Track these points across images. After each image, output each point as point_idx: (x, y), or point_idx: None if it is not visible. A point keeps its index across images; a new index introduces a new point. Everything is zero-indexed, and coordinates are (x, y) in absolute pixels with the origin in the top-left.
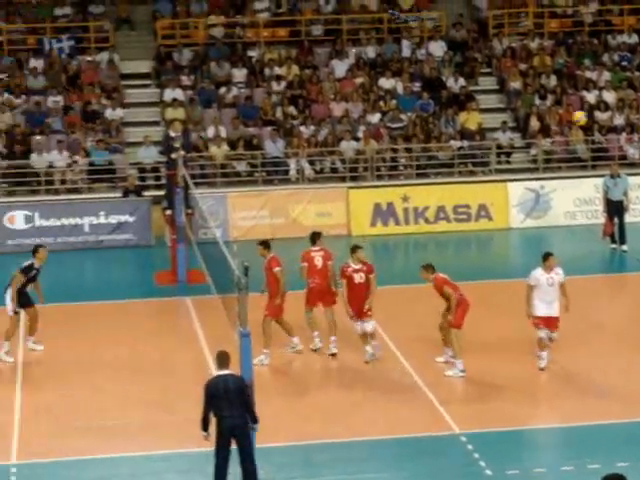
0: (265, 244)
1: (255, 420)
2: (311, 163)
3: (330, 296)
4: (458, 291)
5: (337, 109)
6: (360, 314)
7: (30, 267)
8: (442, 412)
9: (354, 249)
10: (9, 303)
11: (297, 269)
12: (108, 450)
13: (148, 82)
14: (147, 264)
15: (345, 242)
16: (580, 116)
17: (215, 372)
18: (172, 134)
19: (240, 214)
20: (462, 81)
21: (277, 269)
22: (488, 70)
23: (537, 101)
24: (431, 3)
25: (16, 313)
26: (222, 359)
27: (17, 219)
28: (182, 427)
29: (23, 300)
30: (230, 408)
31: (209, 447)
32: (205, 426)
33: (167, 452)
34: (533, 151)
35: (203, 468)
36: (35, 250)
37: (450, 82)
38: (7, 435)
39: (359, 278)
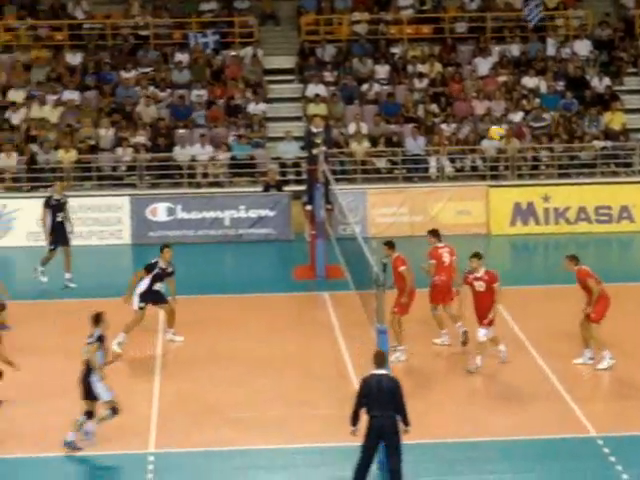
0: (390, 244)
1: (407, 423)
2: (452, 161)
3: (450, 294)
4: (600, 285)
5: (479, 107)
6: (481, 321)
7: (153, 265)
8: (578, 413)
9: (473, 256)
10: (134, 298)
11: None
12: (245, 442)
13: (291, 77)
14: (286, 258)
15: (484, 241)
16: (496, 132)
17: (371, 371)
18: (314, 130)
19: (379, 211)
20: (607, 81)
21: (402, 268)
22: (634, 70)
23: None
24: (577, 2)
25: (141, 309)
26: (379, 358)
27: (159, 211)
28: (315, 421)
29: (152, 297)
30: (380, 408)
31: (344, 442)
32: (354, 421)
33: (302, 446)
34: None
35: (339, 463)
36: (161, 249)
37: (595, 82)
38: (146, 425)
39: (479, 287)
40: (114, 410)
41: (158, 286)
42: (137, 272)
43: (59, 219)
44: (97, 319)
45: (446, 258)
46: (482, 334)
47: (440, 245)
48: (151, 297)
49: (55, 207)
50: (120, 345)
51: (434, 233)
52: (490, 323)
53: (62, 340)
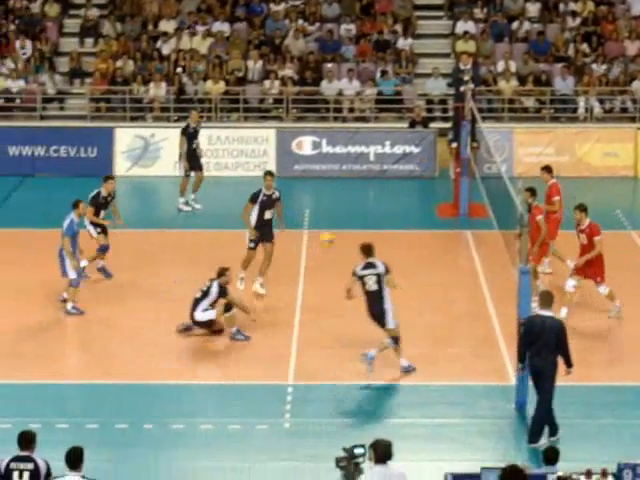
0: (531, 190)
1: (570, 364)
2: (601, 102)
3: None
4: None
5: (631, 48)
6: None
7: (257, 194)
8: None
9: (576, 207)
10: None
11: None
12: (380, 377)
13: (441, 14)
14: (430, 196)
15: (632, 184)
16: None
17: (537, 311)
18: (461, 67)
19: (526, 150)
20: None
21: (539, 217)
22: None
23: None
24: None
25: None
26: (545, 299)
27: (305, 144)
28: (453, 360)
29: (263, 231)
30: (540, 349)
31: (480, 382)
32: (521, 358)
33: (442, 384)
34: None
35: (476, 401)
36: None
37: None
38: (285, 358)
39: (582, 239)
40: (395, 340)
41: (269, 214)
42: (246, 206)
43: (194, 146)
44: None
45: None
46: (570, 285)
47: (554, 181)
48: (262, 230)
49: (191, 135)
50: (262, 286)
51: (549, 169)
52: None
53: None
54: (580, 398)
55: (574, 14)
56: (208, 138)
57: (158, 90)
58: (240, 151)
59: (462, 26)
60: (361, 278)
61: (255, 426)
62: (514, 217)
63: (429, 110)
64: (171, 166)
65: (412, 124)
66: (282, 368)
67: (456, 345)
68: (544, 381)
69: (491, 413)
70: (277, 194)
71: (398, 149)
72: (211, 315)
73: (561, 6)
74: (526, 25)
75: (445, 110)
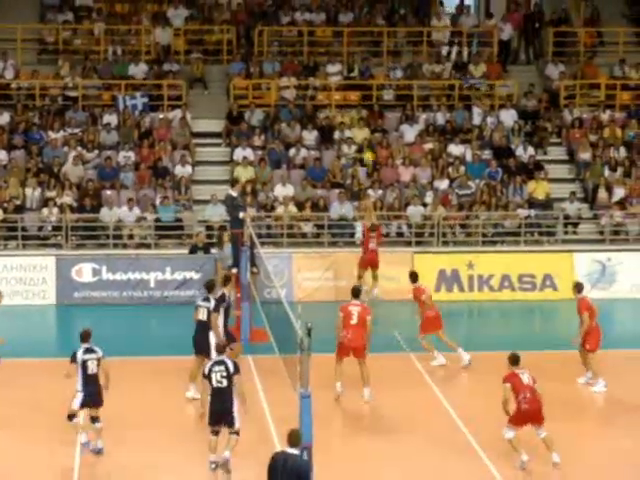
0: (579, 285)
1: None
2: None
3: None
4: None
5: (405, 174)
6: None
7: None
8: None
9: None
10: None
11: None
12: None
13: (219, 141)
14: None
15: (408, 307)
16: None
17: (282, 447)
18: (233, 194)
19: (305, 275)
20: (531, 150)
21: (586, 314)
22: (558, 140)
23: (606, 172)
24: (503, 72)
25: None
26: (293, 438)
27: (84, 272)
28: None
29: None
30: None
31: None
32: None
33: None
34: (602, 221)
35: None
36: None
37: (519, 151)
38: None
39: None
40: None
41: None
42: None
43: None
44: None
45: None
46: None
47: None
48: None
49: None
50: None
51: (579, 287)
52: None
53: None
54: None
55: (349, 141)
56: None
57: None
58: (19, 279)
59: (240, 153)
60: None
61: None
62: (294, 341)
63: (209, 236)
64: None
65: (193, 250)
66: None
67: (239, 469)
68: None
69: None
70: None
71: (179, 275)
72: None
73: (337, 133)
74: (303, 152)
75: (221, 228)
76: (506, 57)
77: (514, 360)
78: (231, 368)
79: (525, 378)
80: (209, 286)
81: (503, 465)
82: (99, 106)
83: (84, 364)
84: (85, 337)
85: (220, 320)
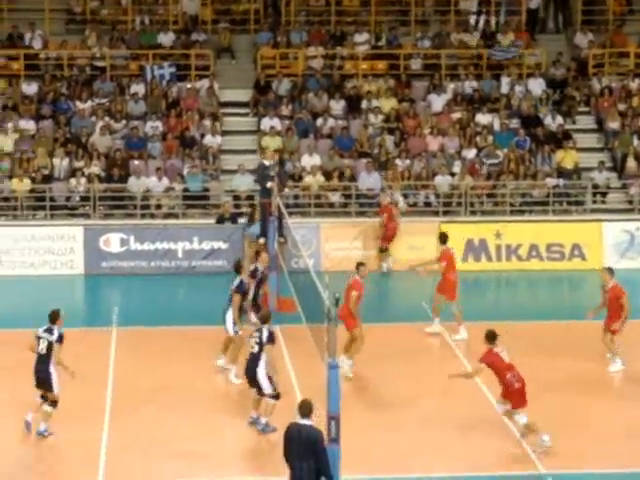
0: (609, 270)
1: (329, 477)
2: (405, 196)
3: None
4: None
5: (433, 143)
6: None
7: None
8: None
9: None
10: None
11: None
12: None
13: (246, 111)
14: None
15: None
16: None
17: (296, 419)
18: (266, 163)
19: (332, 244)
20: (560, 119)
21: (624, 298)
22: (586, 109)
23: (635, 142)
24: (532, 40)
25: (236, 332)
26: (304, 408)
27: (112, 242)
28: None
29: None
30: (296, 459)
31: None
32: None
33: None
34: (631, 191)
35: None
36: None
37: (548, 120)
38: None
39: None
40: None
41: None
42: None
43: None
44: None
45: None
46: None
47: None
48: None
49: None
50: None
51: (610, 271)
52: None
53: None
54: None
55: (376, 110)
56: (14, 237)
57: None
58: (47, 249)
59: (268, 122)
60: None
61: None
62: (322, 311)
63: (237, 206)
64: None
65: (220, 220)
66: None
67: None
68: None
69: None
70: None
71: (206, 245)
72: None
73: (364, 103)
74: (330, 122)
75: (252, 206)
76: (534, 26)
77: (491, 337)
78: (264, 337)
79: (505, 356)
80: (237, 267)
81: (534, 441)
82: (127, 76)
83: (38, 341)
84: (51, 317)
85: (251, 293)
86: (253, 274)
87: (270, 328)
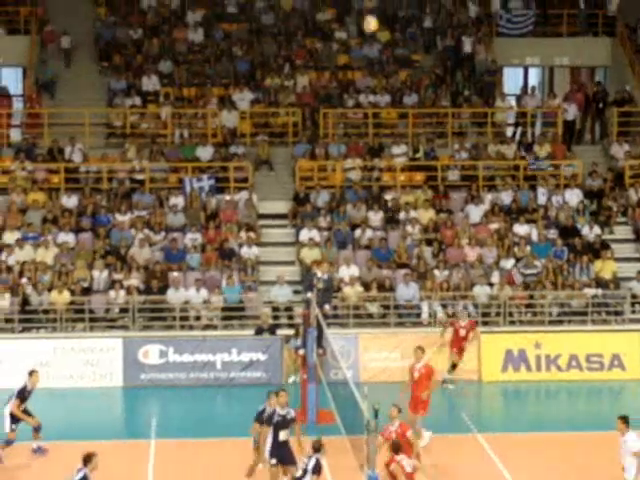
0: (624, 419)
1: None
2: (444, 307)
3: None
4: None
5: (471, 254)
6: None
7: (269, 414)
8: None
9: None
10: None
11: None
12: None
13: (285, 222)
14: None
15: (475, 387)
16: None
17: None
18: (319, 274)
19: (371, 355)
20: (597, 229)
21: None
22: (624, 219)
23: None
24: (568, 152)
25: (273, 465)
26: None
27: (151, 353)
28: None
29: (281, 453)
30: None
31: None
32: None
33: None
34: None
35: None
36: (275, 393)
37: (585, 230)
38: None
39: None
40: None
41: (283, 436)
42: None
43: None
44: (86, 459)
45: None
46: None
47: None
48: (280, 453)
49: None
50: None
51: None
52: None
53: None
54: None
55: (414, 221)
56: (53, 349)
57: (2, 301)
58: (86, 361)
59: (306, 234)
60: None
61: None
62: (360, 422)
63: (275, 317)
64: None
65: (258, 331)
66: None
67: None
68: None
69: None
70: (292, 414)
71: (245, 356)
72: None
73: (402, 214)
74: (369, 233)
75: (291, 317)
76: (571, 137)
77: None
78: (310, 466)
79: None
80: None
81: None
82: (166, 188)
83: None
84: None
85: (269, 441)
86: (268, 420)
87: (319, 457)
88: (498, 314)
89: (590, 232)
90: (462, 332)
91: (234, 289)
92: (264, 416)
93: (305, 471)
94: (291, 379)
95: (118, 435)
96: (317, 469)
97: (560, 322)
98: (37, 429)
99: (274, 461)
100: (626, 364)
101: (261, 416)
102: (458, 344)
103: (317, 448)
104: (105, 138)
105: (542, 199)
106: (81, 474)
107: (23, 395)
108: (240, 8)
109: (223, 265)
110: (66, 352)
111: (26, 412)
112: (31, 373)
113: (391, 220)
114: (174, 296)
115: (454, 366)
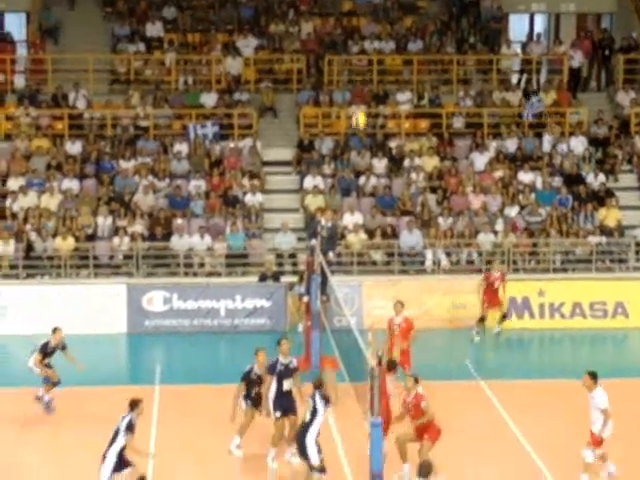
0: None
1: None
2: (448, 254)
3: None
4: None
5: (475, 202)
6: None
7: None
8: None
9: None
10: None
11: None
12: None
13: (289, 169)
14: None
15: (478, 335)
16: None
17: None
18: (323, 222)
19: (374, 303)
20: (602, 177)
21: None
22: (629, 167)
23: None
24: (573, 99)
25: (277, 418)
26: (424, 469)
27: (155, 300)
28: None
29: (284, 404)
30: None
31: None
32: None
33: None
34: None
35: None
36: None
37: (590, 178)
38: None
39: None
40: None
41: (287, 385)
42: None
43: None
44: (132, 404)
45: None
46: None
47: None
48: (283, 403)
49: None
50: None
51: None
52: None
53: None
54: None
55: (419, 169)
56: (58, 294)
57: (7, 247)
58: (90, 308)
59: (310, 181)
60: None
61: None
62: (364, 369)
63: (279, 264)
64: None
65: (262, 278)
66: None
67: None
68: None
69: None
70: (294, 363)
71: (248, 303)
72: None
73: (406, 161)
74: (373, 180)
75: (295, 264)
76: (576, 84)
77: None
78: (318, 402)
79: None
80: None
81: None
82: (170, 135)
83: None
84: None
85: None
86: (270, 370)
87: (322, 392)
88: (502, 262)
89: (595, 180)
90: (496, 284)
91: (238, 236)
92: (268, 368)
93: (315, 410)
94: (300, 328)
95: (122, 381)
96: (326, 401)
97: (564, 270)
98: (54, 384)
99: (278, 414)
100: (630, 312)
101: (248, 376)
102: (492, 296)
103: (318, 385)
104: (109, 84)
105: (547, 147)
106: (127, 419)
107: (45, 350)
108: None
109: (227, 212)
110: (70, 298)
111: (48, 366)
112: (54, 330)
113: (395, 167)
114: (178, 243)
115: (504, 316)
